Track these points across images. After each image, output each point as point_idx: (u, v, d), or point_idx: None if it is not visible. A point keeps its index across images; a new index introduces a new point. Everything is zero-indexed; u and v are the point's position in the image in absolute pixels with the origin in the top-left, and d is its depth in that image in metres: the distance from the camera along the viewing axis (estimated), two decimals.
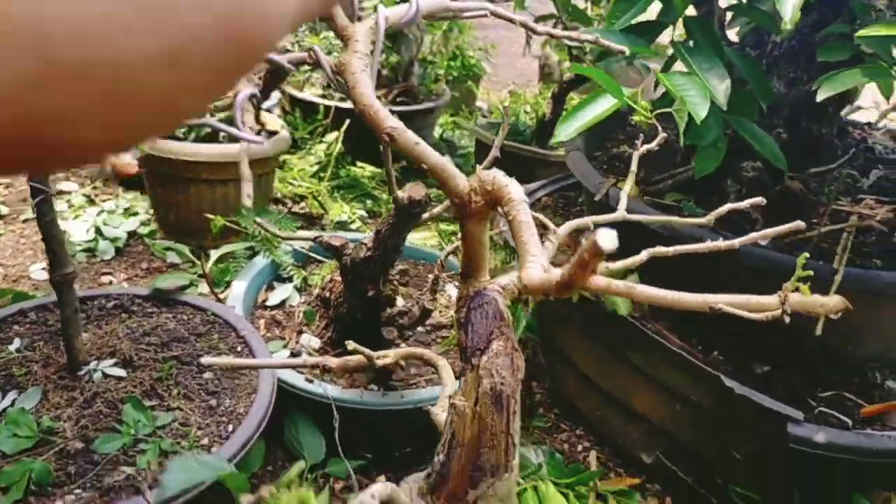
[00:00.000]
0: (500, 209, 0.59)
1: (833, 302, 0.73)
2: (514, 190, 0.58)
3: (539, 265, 0.53)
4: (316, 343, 1.56)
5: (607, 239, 0.41)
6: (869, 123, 1.89)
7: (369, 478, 1.48)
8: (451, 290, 1.79)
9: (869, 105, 2.14)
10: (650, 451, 1.58)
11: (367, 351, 0.72)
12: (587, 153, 1.71)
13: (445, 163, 0.56)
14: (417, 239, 2.14)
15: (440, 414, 0.74)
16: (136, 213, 2.24)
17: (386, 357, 0.75)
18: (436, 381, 1.50)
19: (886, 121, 1.98)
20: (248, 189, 0.42)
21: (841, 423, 1.33)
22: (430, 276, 1.75)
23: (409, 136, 0.55)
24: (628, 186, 0.85)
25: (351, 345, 0.72)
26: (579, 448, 1.72)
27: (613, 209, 1.51)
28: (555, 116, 2.46)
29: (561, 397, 1.85)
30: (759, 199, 0.85)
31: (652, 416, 1.53)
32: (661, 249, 0.73)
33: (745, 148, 1.53)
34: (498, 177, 0.58)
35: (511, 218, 0.57)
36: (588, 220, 0.79)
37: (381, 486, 0.57)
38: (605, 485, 1.51)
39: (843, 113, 1.64)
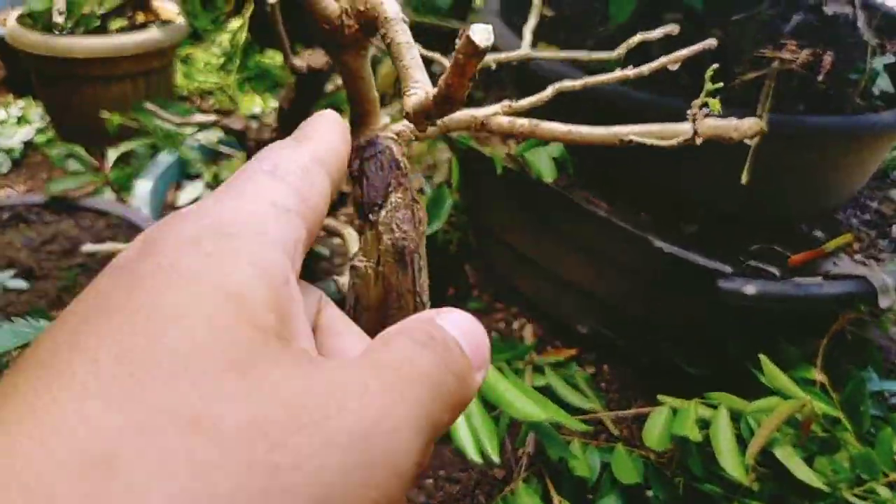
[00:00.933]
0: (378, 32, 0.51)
1: (747, 124, 0.68)
2: (390, 7, 0.50)
3: (422, 90, 0.46)
4: None
5: (482, 33, 0.33)
6: None
7: None
8: None
9: None
10: (585, 321, 1.57)
11: None
12: (506, 19, 1.63)
13: None
14: None
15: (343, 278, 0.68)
16: (29, 121, 2.08)
17: None
18: None
19: None
20: (59, 3, 0.34)
21: (769, 274, 1.32)
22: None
23: None
24: (532, 21, 0.78)
25: None
26: (515, 325, 1.71)
27: (532, 73, 1.45)
28: None
29: (495, 277, 1.82)
30: (672, 28, 0.78)
31: (584, 285, 1.51)
32: (567, 84, 0.67)
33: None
34: None
35: (389, 40, 0.49)
36: (490, 57, 0.72)
37: None
38: (542, 357, 1.50)
39: None
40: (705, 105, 0.59)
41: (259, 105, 2.16)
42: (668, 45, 1.37)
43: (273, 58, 2.43)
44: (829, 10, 1.59)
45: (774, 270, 1.33)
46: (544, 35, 1.64)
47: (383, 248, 0.62)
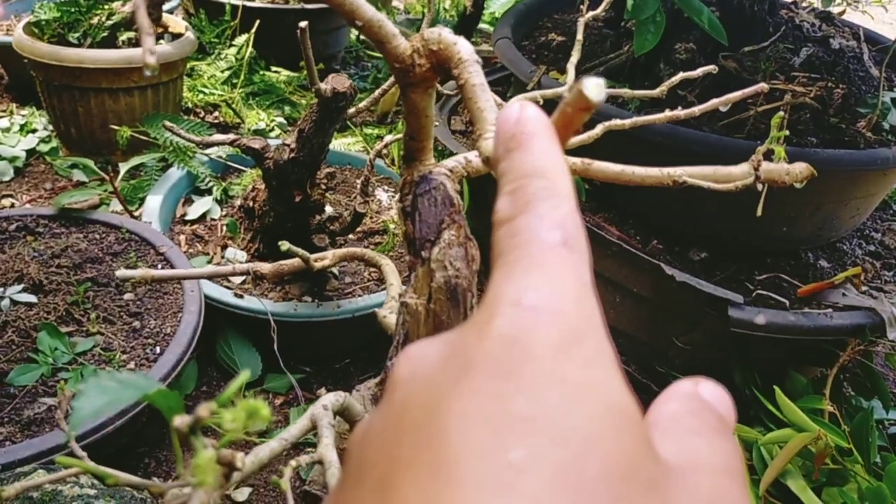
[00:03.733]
0: (452, 72, 0.52)
1: (798, 169, 0.69)
2: (464, 48, 0.50)
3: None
4: (242, 256, 1.48)
5: (595, 88, 0.31)
6: (794, 2, 1.86)
7: (309, 391, 1.43)
8: (381, 195, 1.71)
9: None
10: None
11: (303, 252, 0.65)
12: (515, 43, 1.64)
13: (383, 19, 0.49)
14: (341, 144, 2.04)
15: (388, 316, 0.68)
16: (34, 130, 2.07)
17: (324, 259, 0.68)
18: (372, 289, 1.44)
19: None
20: (149, 43, 0.34)
21: (779, 304, 1.34)
22: (359, 181, 1.67)
23: None
24: (575, 57, 0.78)
25: (284, 245, 0.65)
26: None
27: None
28: (476, 10, 2.35)
29: None
30: (711, 67, 0.79)
31: None
32: (616, 122, 0.67)
33: (677, 29, 1.47)
34: (444, 34, 0.50)
35: (463, 82, 0.50)
36: (537, 93, 0.73)
37: (333, 396, 0.51)
38: None
39: None
40: (770, 152, 0.60)
41: (264, 120, 2.16)
42: (679, 70, 1.38)
43: (278, 73, 2.43)
44: (835, 43, 1.61)
45: (783, 300, 1.34)
46: (555, 60, 1.65)
47: (435, 286, 0.62)
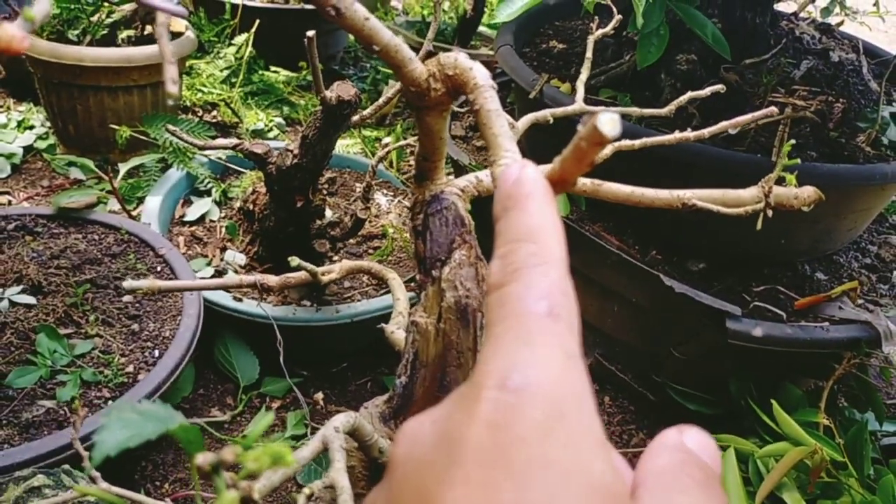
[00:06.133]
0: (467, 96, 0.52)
1: (807, 193, 0.69)
2: (480, 73, 0.51)
3: (515, 161, 0.47)
4: (242, 259, 1.48)
5: (609, 123, 0.32)
6: (794, 14, 1.87)
7: (307, 395, 1.43)
8: (380, 199, 1.72)
9: None
10: (590, 352, 1.58)
11: (311, 267, 0.65)
12: (516, 50, 1.64)
13: (400, 43, 0.49)
14: (339, 146, 2.04)
15: (395, 332, 0.68)
16: (31, 126, 2.06)
17: (331, 272, 0.68)
18: (371, 294, 1.44)
19: (810, 8, 1.96)
20: (171, 72, 0.34)
21: (775, 316, 1.34)
22: (358, 185, 1.67)
23: (358, 10, 0.47)
24: (585, 75, 0.78)
25: (294, 261, 0.65)
26: None
27: (548, 107, 1.46)
28: (476, 14, 2.35)
29: None
30: (720, 87, 0.80)
31: (591, 319, 1.52)
32: (626, 143, 0.68)
33: (679, 40, 1.48)
34: (460, 59, 0.51)
35: (478, 107, 0.50)
36: (546, 112, 0.73)
37: (343, 417, 0.51)
38: None
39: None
40: (782, 179, 0.60)
41: (263, 120, 2.15)
42: (681, 84, 1.39)
43: (277, 73, 2.43)
44: (835, 56, 1.62)
45: (780, 312, 1.35)
46: (555, 68, 1.65)
47: (445, 306, 0.62)
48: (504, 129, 0.49)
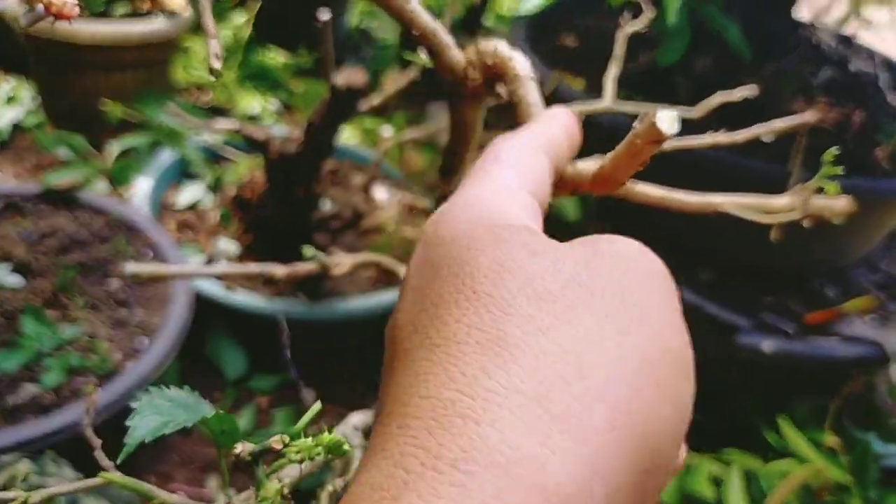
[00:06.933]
0: (502, 88, 0.49)
1: (841, 204, 0.66)
2: (521, 64, 0.47)
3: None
4: (235, 248, 1.43)
5: (668, 121, 0.31)
6: (813, 22, 1.84)
7: (296, 392, 1.38)
8: (380, 192, 1.67)
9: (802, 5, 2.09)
10: None
11: (324, 258, 0.61)
12: (533, 46, 1.60)
13: (438, 28, 0.45)
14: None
15: None
16: (20, 102, 2.00)
17: (342, 265, 0.64)
18: (367, 290, 1.39)
19: (826, 18, 1.93)
20: (215, 47, 0.30)
21: (784, 330, 1.31)
22: (356, 176, 1.62)
23: None
24: (614, 72, 0.74)
25: (309, 250, 0.61)
26: None
27: (562, 103, 1.42)
28: (484, 3, 2.31)
29: None
30: (752, 89, 0.76)
31: None
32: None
33: (697, 43, 1.44)
34: (500, 48, 0.47)
35: (518, 99, 0.47)
36: (575, 107, 0.69)
37: (360, 416, 0.48)
38: None
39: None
40: (821, 189, 0.56)
41: (259, 104, 2.10)
42: (697, 87, 1.35)
43: (275, 57, 2.37)
44: (853, 66, 1.59)
45: (788, 327, 1.32)
46: (568, 65, 1.61)
47: None
48: None
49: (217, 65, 0.30)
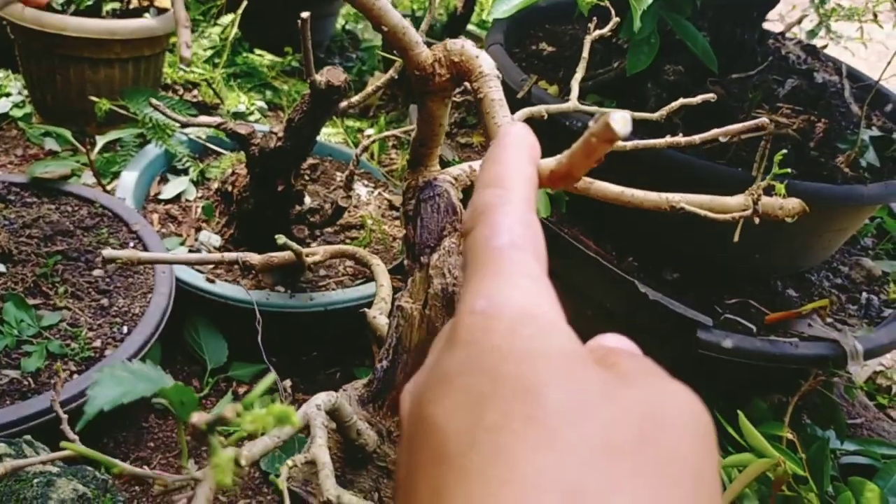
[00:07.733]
0: (468, 84, 0.52)
1: (791, 204, 0.70)
2: (485, 62, 0.51)
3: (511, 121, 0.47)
4: (217, 241, 1.46)
5: (621, 121, 0.33)
6: (782, 34, 1.89)
7: (275, 382, 1.41)
8: (360, 189, 1.71)
9: (774, 18, 2.14)
10: None
11: (297, 247, 0.65)
12: (509, 51, 1.64)
13: (408, 26, 0.48)
14: (321, 134, 2.02)
15: (377, 317, 0.67)
16: (7, 94, 2.02)
17: (315, 255, 0.68)
18: (346, 284, 1.43)
19: (796, 30, 1.99)
20: (185, 36, 0.33)
21: (746, 329, 1.36)
22: (339, 174, 1.66)
23: None
24: (580, 74, 0.79)
25: (281, 239, 0.65)
26: None
27: (563, 124, 1.46)
28: (467, 10, 2.35)
29: None
30: (711, 95, 0.81)
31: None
32: (618, 144, 0.67)
33: (667, 51, 1.49)
34: (467, 46, 0.51)
35: (482, 95, 0.50)
36: (541, 107, 0.73)
37: (325, 396, 0.51)
38: None
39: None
40: (771, 188, 0.61)
41: (244, 103, 2.13)
42: (667, 94, 1.39)
43: (262, 56, 2.41)
44: (819, 77, 1.64)
45: (750, 326, 1.36)
46: (544, 70, 1.66)
47: (432, 292, 0.62)
48: (506, 120, 0.49)
49: (187, 53, 0.33)
